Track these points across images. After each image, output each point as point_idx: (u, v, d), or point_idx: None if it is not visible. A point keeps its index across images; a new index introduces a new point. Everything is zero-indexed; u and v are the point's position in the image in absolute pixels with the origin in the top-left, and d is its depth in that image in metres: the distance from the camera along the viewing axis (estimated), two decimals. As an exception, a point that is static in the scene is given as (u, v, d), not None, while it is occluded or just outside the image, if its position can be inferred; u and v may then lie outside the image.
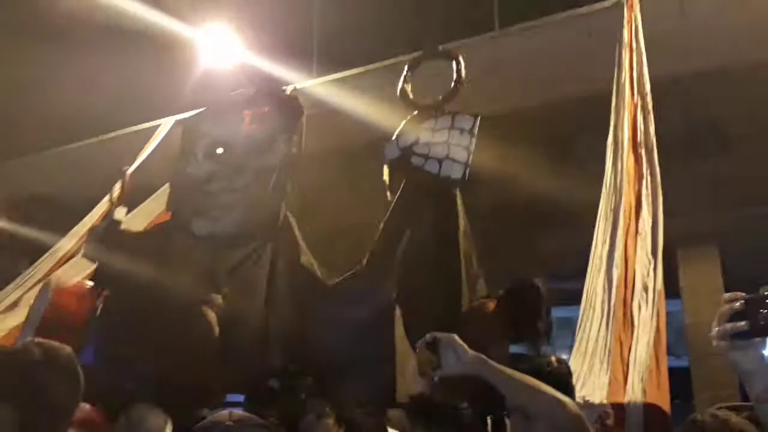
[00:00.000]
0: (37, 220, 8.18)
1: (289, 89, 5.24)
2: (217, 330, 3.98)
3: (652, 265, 3.37)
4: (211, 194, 4.30)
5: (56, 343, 1.86)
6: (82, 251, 4.92)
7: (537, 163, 6.07)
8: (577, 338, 3.12)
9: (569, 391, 2.38)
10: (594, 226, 3.57)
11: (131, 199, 5.41)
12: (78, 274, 4.77)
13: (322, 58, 7.26)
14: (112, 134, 8.09)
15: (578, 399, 2.76)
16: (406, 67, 4.24)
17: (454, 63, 4.03)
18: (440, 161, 3.77)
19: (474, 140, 3.80)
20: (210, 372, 3.75)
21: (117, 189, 5.02)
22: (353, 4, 7.27)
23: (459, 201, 3.77)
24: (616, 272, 3.31)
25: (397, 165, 3.96)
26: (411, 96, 4.16)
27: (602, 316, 3.16)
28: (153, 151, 6.34)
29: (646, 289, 3.34)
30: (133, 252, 4.27)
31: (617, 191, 3.57)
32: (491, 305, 3.59)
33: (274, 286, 3.87)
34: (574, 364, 2.98)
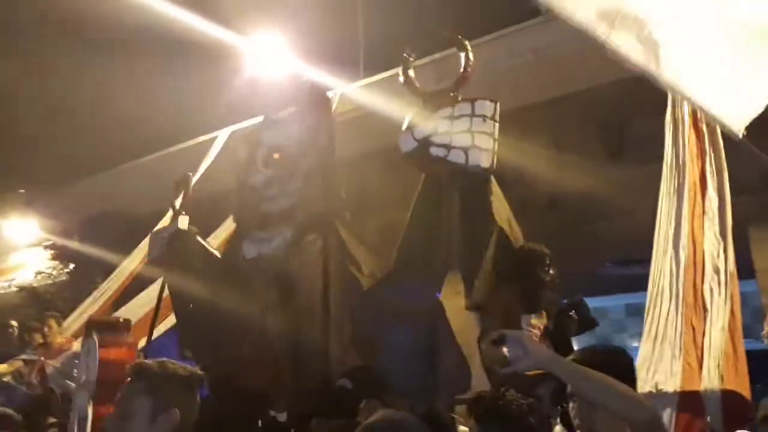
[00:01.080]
0: (108, 235, 8.54)
1: (335, 94, 5.28)
2: (283, 332, 4.06)
3: (721, 246, 3.23)
4: (266, 199, 4.37)
5: None
6: (147, 255, 5.14)
7: (591, 148, 5.94)
8: (646, 323, 3.02)
9: (632, 383, 2.34)
10: (656, 210, 3.44)
11: (195, 210, 5.59)
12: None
13: (369, 63, 7.30)
14: (173, 148, 8.36)
15: (650, 387, 2.70)
16: (408, 56, 4.07)
17: (461, 51, 3.87)
18: (466, 150, 3.59)
19: (497, 126, 3.64)
20: (275, 375, 3.84)
21: (179, 198, 5.19)
22: (399, 6, 7.28)
23: (495, 189, 3.65)
24: (684, 255, 3.19)
25: (415, 157, 3.79)
26: (417, 84, 4.00)
27: (671, 301, 3.05)
28: (212, 162, 6.54)
29: (717, 271, 3.21)
30: (202, 262, 4.45)
31: (680, 170, 3.42)
32: (502, 288, 3.53)
33: (327, 293, 3.90)
34: (643, 350, 2.89)
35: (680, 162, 3.45)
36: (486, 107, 3.65)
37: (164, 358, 2.36)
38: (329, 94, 4.53)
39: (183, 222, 5.06)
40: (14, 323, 7.55)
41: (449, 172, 3.68)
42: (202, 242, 4.92)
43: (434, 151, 3.68)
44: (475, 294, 3.45)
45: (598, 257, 6.77)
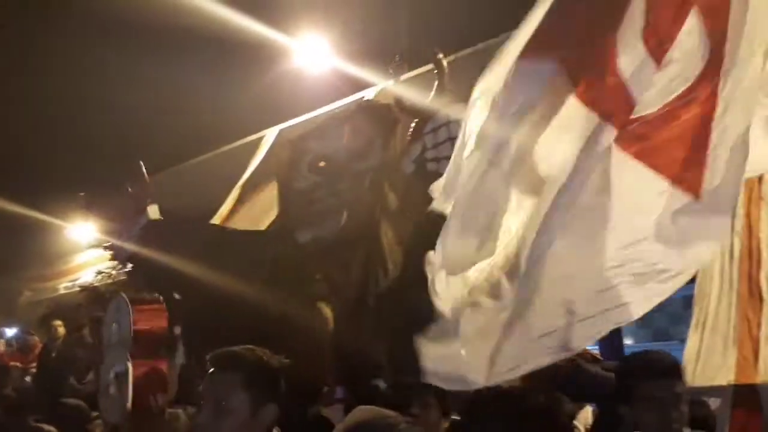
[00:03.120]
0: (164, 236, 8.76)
1: (376, 90, 5.31)
2: (331, 325, 4.11)
3: (780, 234, 3.07)
4: (315, 201, 4.46)
5: None
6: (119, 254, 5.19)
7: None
8: (694, 315, 2.90)
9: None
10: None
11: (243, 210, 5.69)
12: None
13: (413, 59, 7.28)
14: (222, 149, 8.53)
15: (701, 381, 2.60)
16: (392, 73, 4.19)
17: (436, 69, 3.92)
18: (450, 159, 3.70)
19: None
20: (322, 367, 3.87)
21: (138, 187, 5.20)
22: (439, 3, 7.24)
23: None
24: (738, 243, 3.05)
25: (417, 177, 3.90)
26: (406, 102, 4.10)
27: (722, 291, 2.92)
28: (260, 162, 6.64)
29: (775, 259, 3.05)
30: (232, 254, 4.52)
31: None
32: None
33: (365, 289, 3.94)
34: (691, 342, 2.79)
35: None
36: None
37: (247, 345, 2.20)
38: (394, 111, 4.59)
39: (153, 211, 5.02)
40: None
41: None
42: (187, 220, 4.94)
43: (429, 166, 3.78)
44: None
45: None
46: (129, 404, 3.55)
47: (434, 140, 3.83)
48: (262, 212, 5.36)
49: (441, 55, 3.97)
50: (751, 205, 3.18)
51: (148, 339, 3.73)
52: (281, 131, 6.91)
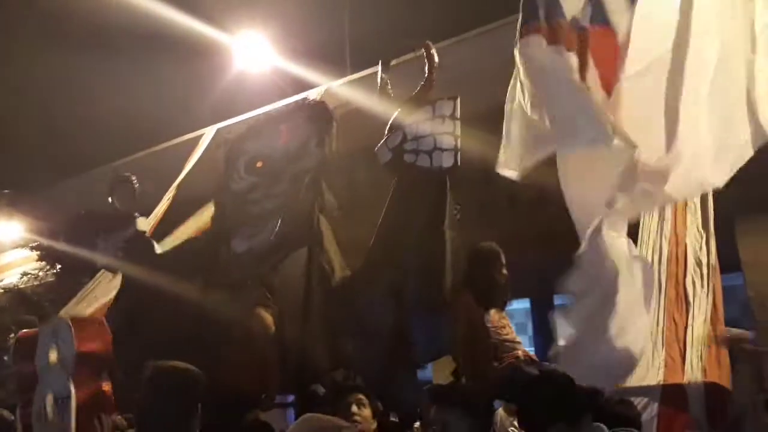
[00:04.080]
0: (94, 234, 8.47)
1: (320, 90, 5.27)
2: (272, 330, 4.06)
3: (704, 239, 3.24)
4: (251, 203, 4.40)
5: None
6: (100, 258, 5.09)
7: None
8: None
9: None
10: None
11: (178, 211, 5.55)
12: (92, 305, 4.95)
13: (355, 59, 7.28)
14: (157, 147, 8.30)
15: (632, 381, 2.70)
16: (380, 66, 4.23)
17: (425, 53, 3.98)
18: (430, 153, 3.74)
19: (458, 124, 3.73)
20: (262, 373, 3.82)
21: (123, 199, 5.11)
22: (384, 2, 7.27)
23: (448, 189, 3.73)
24: (666, 248, 3.19)
25: (391, 166, 3.92)
26: (391, 94, 4.14)
27: (654, 295, 3.04)
28: (197, 162, 6.50)
29: (699, 264, 3.22)
30: (171, 263, 4.42)
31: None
32: (465, 291, 3.66)
33: (309, 291, 3.92)
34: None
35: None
36: (445, 107, 3.76)
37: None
38: (329, 107, 4.57)
39: (142, 224, 4.98)
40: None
41: (416, 177, 3.76)
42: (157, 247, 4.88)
43: (407, 158, 3.81)
44: (438, 300, 3.53)
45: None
46: (72, 429, 3.39)
47: (416, 132, 3.86)
48: (198, 214, 5.25)
49: (431, 46, 3.96)
50: (677, 212, 3.34)
51: (91, 360, 3.55)
52: (219, 130, 6.78)
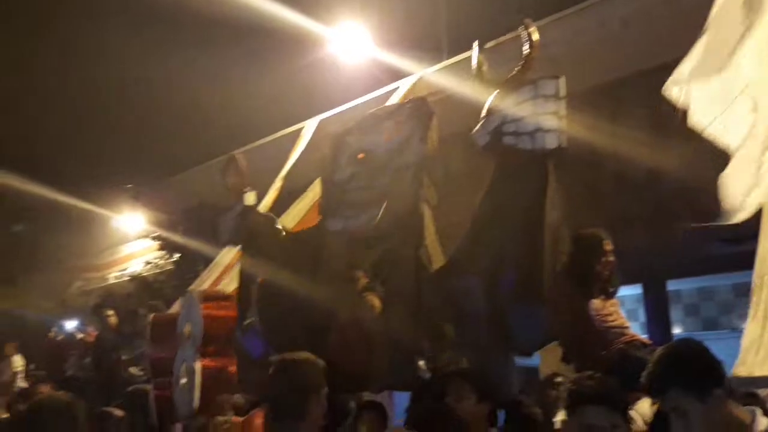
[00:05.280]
0: (207, 225, 8.96)
1: (415, 78, 5.27)
2: (379, 315, 4.12)
3: None
4: (351, 191, 4.45)
5: None
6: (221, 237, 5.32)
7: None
8: (752, 304, 2.82)
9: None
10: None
11: (285, 202, 5.75)
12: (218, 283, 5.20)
13: (452, 44, 7.20)
14: (263, 140, 8.62)
15: (761, 371, 2.53)
16: (475, 46, 4.03)
17: (525, 32, 3.75)
18: (532, 135, 3.52)
19: (562, 103, 3.50)
20: (371, 357, 3.89)
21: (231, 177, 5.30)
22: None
23: (552, 172, 3.55)
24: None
25: (490, 150, 3.73)
26: (488, 76, 3.95)
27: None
28: (301, 154, 6.70)
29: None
30: (283, 247, 4.60)
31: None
32: (563, 278, 3.47)
33: (410, 279, 3.93)
34: (749, 331, 2.70)
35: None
36: (548, 86, 3.55)
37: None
38: (429, 105, 4.56)
39: (249, 198, 5.15)
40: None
41: (518, 161, 3.62)
42: (273, 218, 5.00)
43: (506, 140, 3.65)
44: (540, 284, 3.42)
45: (705, 234, 6.41)
46: (196, 403, 3.61)
47: (516, 114, 3.59)
48: (306, 208, 5.43)
49: (530, 23, 3.81)
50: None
51: (218, 337, 3.69)
52: (321, 121, 6.94)
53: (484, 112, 3.78)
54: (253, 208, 5.12)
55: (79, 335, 9.60)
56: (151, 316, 4.91)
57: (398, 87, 6.39)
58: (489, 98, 3.78)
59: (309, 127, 7.01)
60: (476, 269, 3.68)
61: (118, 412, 3.65)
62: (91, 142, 11.74)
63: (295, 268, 4.44)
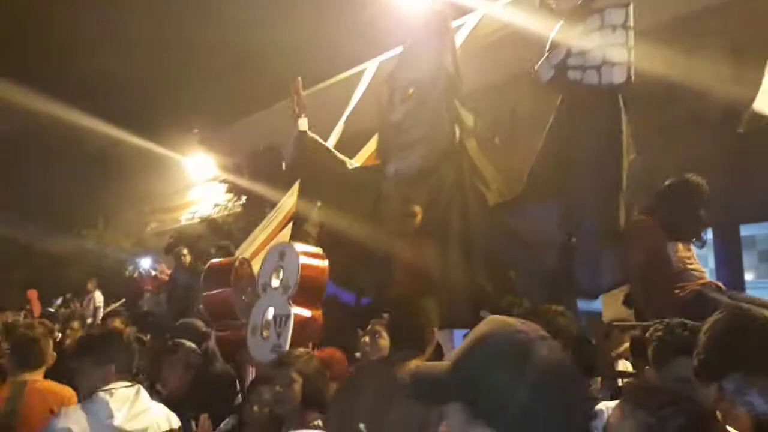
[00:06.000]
0: (273, 168, 9.11)
1: (479, 14, 5.08)
2: (432, 258, 4.12)
3: None
4: (403, 132, 4.41)
5: None
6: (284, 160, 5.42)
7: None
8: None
9: None
10: None
11: (347, 145, 5.77)
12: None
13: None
14: (326, 83, 8.61)
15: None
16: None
17: None
18: (598, 68, 3.35)
19: (631, 33, 3.30)
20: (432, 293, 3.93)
21: (295, 101, 5.34)
22: None
23: (622, 108, 3.36)
24: None
25: (555, 84, 3.56)
26: (553, 5, 3.71)
27: None
28: (361, 97, 6.67)
29: None
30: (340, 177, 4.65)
31: None
32: (644, 218, 3.37)
33: (465, 213, 3.88)
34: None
35: None
36: (615, 15, 3.33)
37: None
38: (449, 18, 4.38)
39: (302, 124, 5.21)
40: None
41: (585, 95, 3.46)
42: (322, 143, 5.07)
43: (571, 74, 3.48)
44: (615, 225, 3.32)
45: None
46: (287, 347, 3.53)
47: (582, 46, 3.41)
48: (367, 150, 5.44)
49: None
50: None
51: (311, 289, 3.70)
52: (381, 63, 6.86)
53: (548, 46, 3.62)
54: (305, 133, 5.19)
55: (154, 273, 10.07)
56: (210, 262, 5.04)
57: (462, 24, 6.22)
58: (554, 30, 3.61)
59: (370, 69, 6.96)
60: (543, 210, 3.60)
61: (190, 344, 3.80)
62: (163, 91, 12.04)
63: (354, 202, 4.48)
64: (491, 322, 1.17)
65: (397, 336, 2.83)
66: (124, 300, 9.25)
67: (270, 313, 3.87)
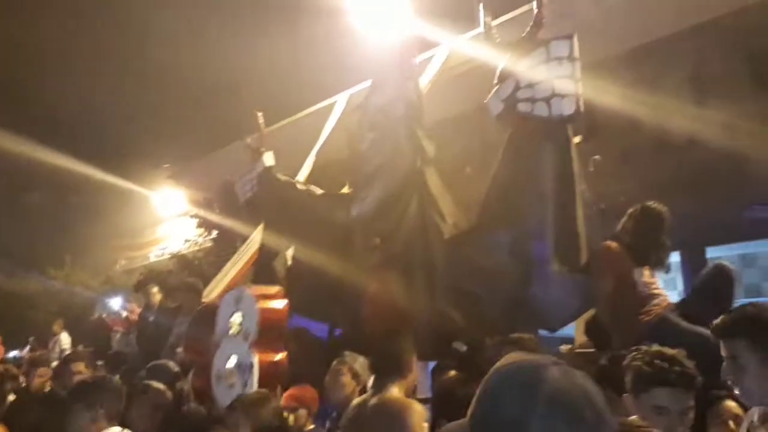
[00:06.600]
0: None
1: (445, 48, 5.15)
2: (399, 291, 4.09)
3: None
4: (367, 161, 4.39)
5: None
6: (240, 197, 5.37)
7: (737, 79, 5.39)
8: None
9: None
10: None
11: (319, 176, 5.76)
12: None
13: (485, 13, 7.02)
14: (296, 116, 8.64)
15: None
16: (481, 8, 3.85)
17: (534, 3, 3.59)
18: (548, 100, 3.38)
19: (577, 65, 3.34)
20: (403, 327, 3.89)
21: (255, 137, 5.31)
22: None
23: (572, 138, 3.43)
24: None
25: (505, 118, 3.59)
26: (497, 39, 3.78)
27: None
28: (333, 127, 6.69)
29: None
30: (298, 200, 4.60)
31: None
32: (613, 244, 3.43)
33: (425, 246, 3.88)
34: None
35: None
36: (560, 48, 3.38)
37: None
38: (413, 48, 4.43)
39: (268, 159, 5.15)
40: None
41: (535, 127, 3.50)
42: (292, 180, 5.03)
43: (521, 107, 3.51)
44: (574, 254, 3.36)
45: (745, 199, 6.23)
46: None
47: (530, 79, 3.46)
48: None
49: None
50: None
51: (272, 331, 3.67)
52: (351, 96, 6.91)
53: (496, 79, 3.65)
54: (271, 169, 5.14)
55: (124, 313, 9.85)
56: (200, 307, 4.89)
57: (432, 56, 6.30)
58: (501, 64, 3.65)
59: (341, 102, 7.01)
60: (494, 241, 3.60)
61: (159, 385, 3.69)
62: (131, 122, 11.94)
63: (322, 234, 4.44)
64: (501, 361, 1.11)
65: (379, 368, 2.91)
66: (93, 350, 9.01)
67: (233, 361, 3.80)
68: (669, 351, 2.16)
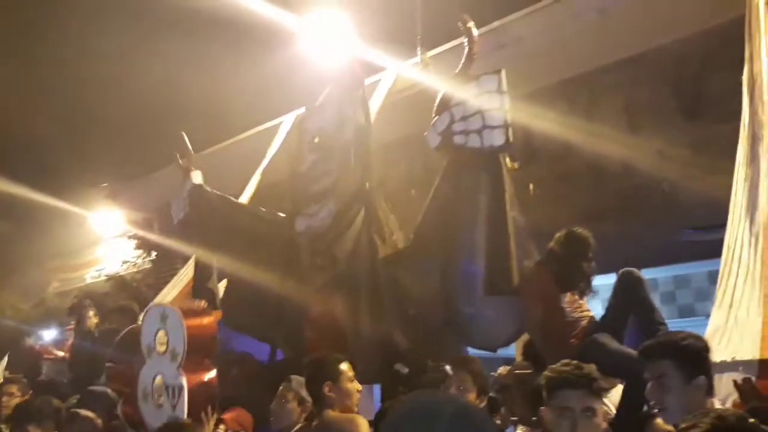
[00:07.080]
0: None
1: (392, 73, 5.25)
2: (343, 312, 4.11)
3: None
4: (312, 181, 4.46)
5: None
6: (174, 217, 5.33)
7: (665, 109, 5.66)
8: (719, 292, 2.89)
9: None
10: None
11: (263, 197, 5.71)
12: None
13: (428, 39, 7.19)
14: (240, 136, 8.56)
15: (724, 356, 2.59)
16: (418, 50, 4.15)
17: (463, 29, 3.84)
18: (480, 132, 3.64)
19: (506, 98, 3.61)
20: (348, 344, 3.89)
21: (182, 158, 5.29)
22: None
23: (504, 166, 3.64)
24: (761, 219, 3.01)
25: (442, 150, 3.84)
26: (431, 65, 4.06)
27: (748, 268, 2.89)
28: (279, 148, 6.66)
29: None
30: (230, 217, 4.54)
31: (756, 129, 3.23)
32: (539, 270, 3.63)
33: (369, 266, 3.94)
34: (715, 319, 2.77)
35: (758, 121, 3.25)
36: (489, 82, 3.64)
37: None
38: (360, 72, 4.55)
39: (196, 177, 5.15)
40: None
41: (470, 157, 3.69)
42: (225, 196, 5.09)
43: (456, 140, 3.74)
44: (507, 278, 3.48)
45: (677, 223, 6.52)
46: (185, 417, 3.42)
47: (463, 113, 3.75)
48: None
49: (470, 24, 3.85)
50: None
51: (200, 348, 3.63)
52: (298, 117, 6.91)
53: (434, 112, 3.85)
54: (201, 186, 5.14)
55: (57, 337, 9.46)
56: (125, 329, 4.76)
57: (379, 80, 6.39)
58: (438, 97, 3.85)
59: (286, 123, 6.99)
60: (427, 265, 3.72)
61: (88, 413, 3.57)
62: (67, 140, 11.57)
63: (262, 254, 4.43)
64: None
65: (312, 395, 3.09)
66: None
67: (160, 380, 3.71)
68: (574, 362, 2.37)
